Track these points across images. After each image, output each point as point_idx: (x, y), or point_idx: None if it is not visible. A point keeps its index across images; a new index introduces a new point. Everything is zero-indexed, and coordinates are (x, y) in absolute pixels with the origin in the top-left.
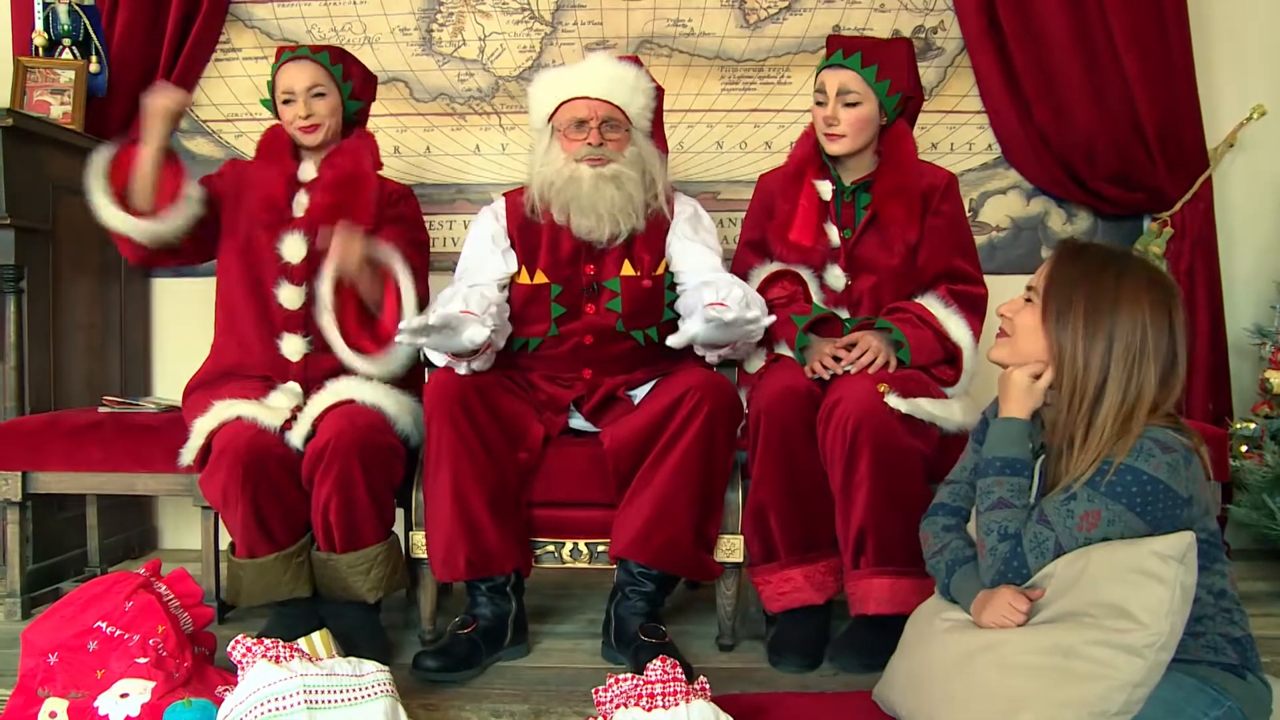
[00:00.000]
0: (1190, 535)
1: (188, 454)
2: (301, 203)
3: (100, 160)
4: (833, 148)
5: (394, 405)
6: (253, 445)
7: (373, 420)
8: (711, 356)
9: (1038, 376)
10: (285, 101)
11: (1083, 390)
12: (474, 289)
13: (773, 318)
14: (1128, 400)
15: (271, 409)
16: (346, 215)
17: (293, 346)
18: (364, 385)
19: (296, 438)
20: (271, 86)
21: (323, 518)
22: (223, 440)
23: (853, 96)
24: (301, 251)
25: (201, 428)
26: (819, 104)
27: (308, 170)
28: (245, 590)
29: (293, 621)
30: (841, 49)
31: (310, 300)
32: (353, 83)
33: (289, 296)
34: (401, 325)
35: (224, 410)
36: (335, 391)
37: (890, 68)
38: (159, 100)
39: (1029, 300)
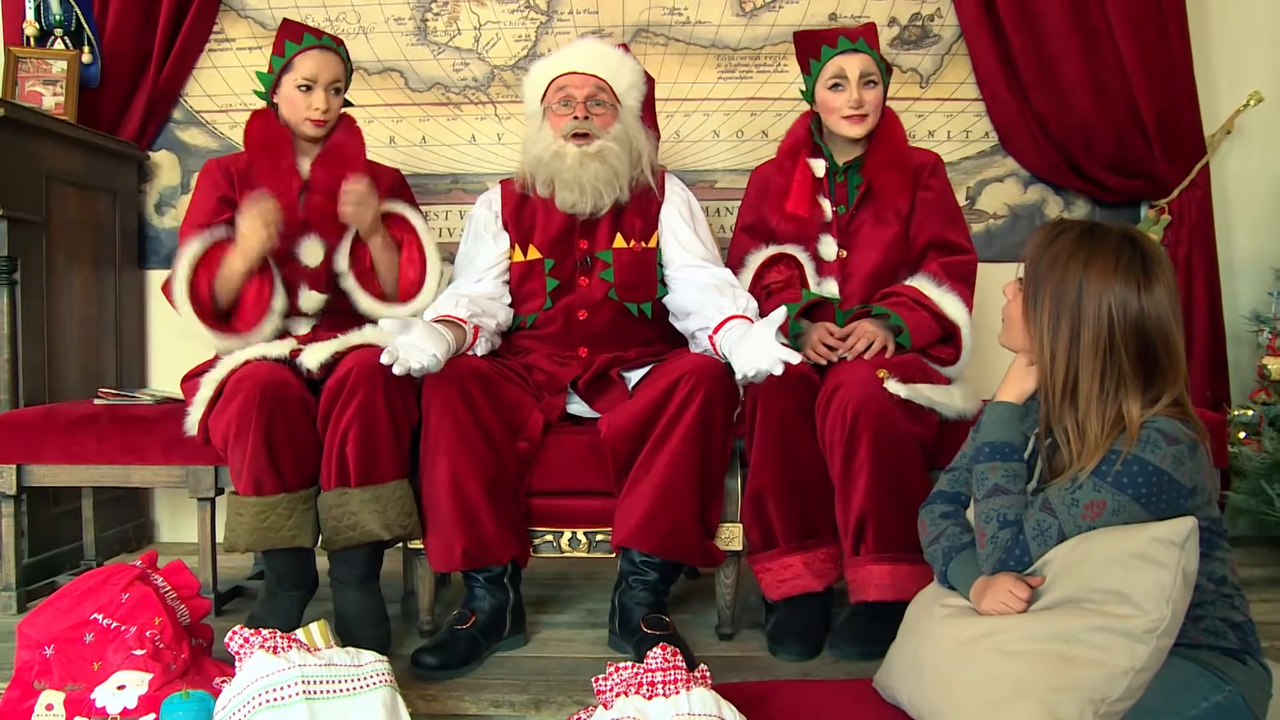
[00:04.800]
0: (1192, 520)
1: (196, 409)
2: (303, 204)
3: (188, 257)
4: (855, 130)
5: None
6: (272, 377)
7: None
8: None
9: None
10: (303, 88)
11: (1054, 382)
12: (466, 290)
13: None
14: (1107, 389)
15: (278, 345)
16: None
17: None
18: (371, 330)
19: (311, 359)
20: (281, 62)
21: (339, 450)
22: (240, 374)
23: (873, 77)
24: (319, 256)
25: (211, 379)
26: (836, 88)
27: (303, 167)
28: (246, 533)
29: (287, 586)
30: (844, 35)
31: (329, 305)
32: (349, 78)
33: (310, 303)
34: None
35: (231, 360)
36: (356, 336)
37: (878, 50)
38: (255, 218)
39: (1020, 285)
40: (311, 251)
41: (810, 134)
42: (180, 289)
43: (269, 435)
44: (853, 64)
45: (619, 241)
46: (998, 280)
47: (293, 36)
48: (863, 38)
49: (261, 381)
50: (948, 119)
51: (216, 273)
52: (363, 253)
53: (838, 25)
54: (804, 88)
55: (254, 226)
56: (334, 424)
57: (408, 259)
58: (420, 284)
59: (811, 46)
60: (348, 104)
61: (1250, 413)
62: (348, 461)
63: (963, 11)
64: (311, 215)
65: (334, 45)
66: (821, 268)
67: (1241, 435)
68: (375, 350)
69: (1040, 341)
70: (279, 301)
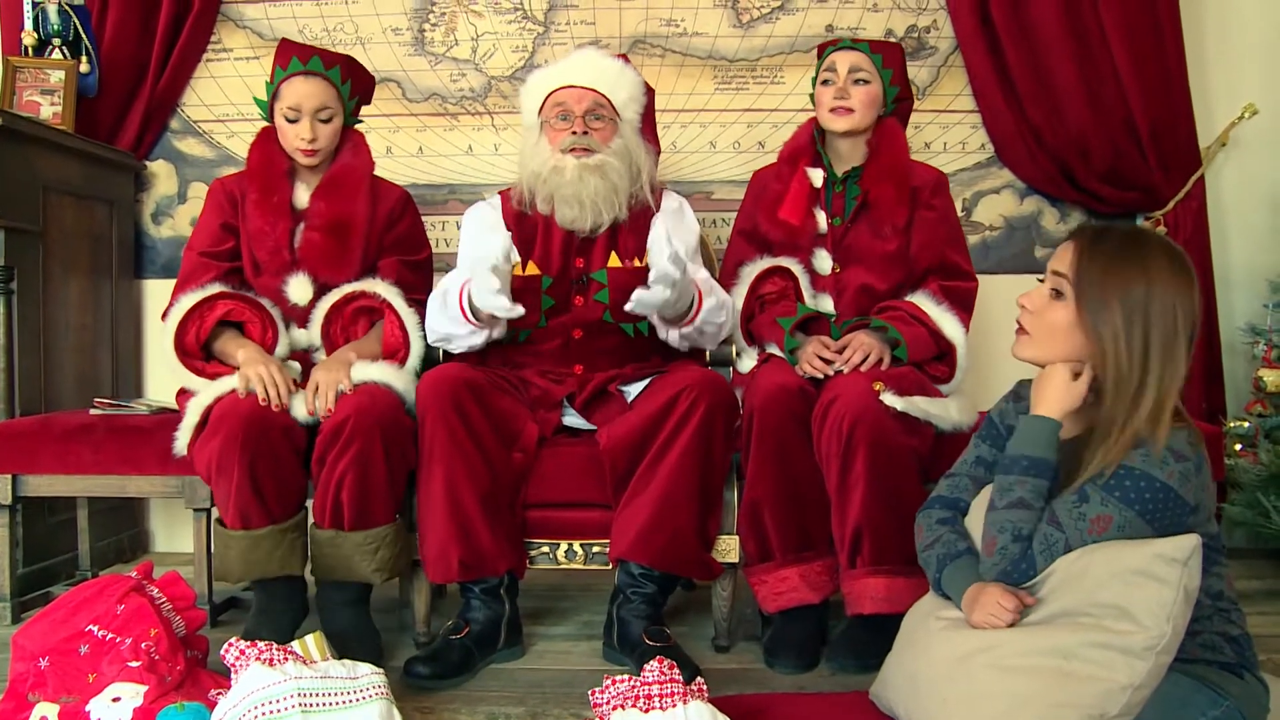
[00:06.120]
0: (1196, 538)
1: (183, 434)
2: (298, 237)
3: (179, 312)
4: (839, 124)
5: (402, 382)
6: (255, 411)
7: (392, 400)
8: (673, 336)
9: (1077, 375)
10: (290, 119)
11: (1129, 382)
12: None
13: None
14: (1163, 387)
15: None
16: (338, 260)
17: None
18: (370, 366)
19: (300, 408)
20: (272, 89)
21: (334, 494)
22: (223, 407)
23: (864, 75)
24: (308, 294)
25: (197, 404)
26: (826, 83)
27: (301, 196)
28: (235, 565)
29: (279, 605)
30: (847, 38)
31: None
32: (359, 98)
33: (296, 339)
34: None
35: (219, 385)
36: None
37: (890, 61)
38: (258, 373)
39: (1057, 295)
40: (300, 289)
41: (812, 141)
42: (169, 341)
43: (253, 472)
44: (844, 59)
45: (614, 261)
46: (995, 292)
47: (281, 61)
48: (866, 43)
49: (244, 418)
50: (944, 130)
51: (209, 329)
52: (335, 333)
53: (835, 37)
54: (810, 92)
55: (257, 376)
56: (330, 468)
57: (389, 332)
58: (405, 353)
59: (820, 52)
60: (357, 121)
61: (1246, 425)
62: (342, 506)
63: (959, 24)
64: (305, 251)
65: (323, 69)
66: (816, 282)
67: (1238, 447)
68: (375, 395)
69: (1114, 344)
70: (281, 349)
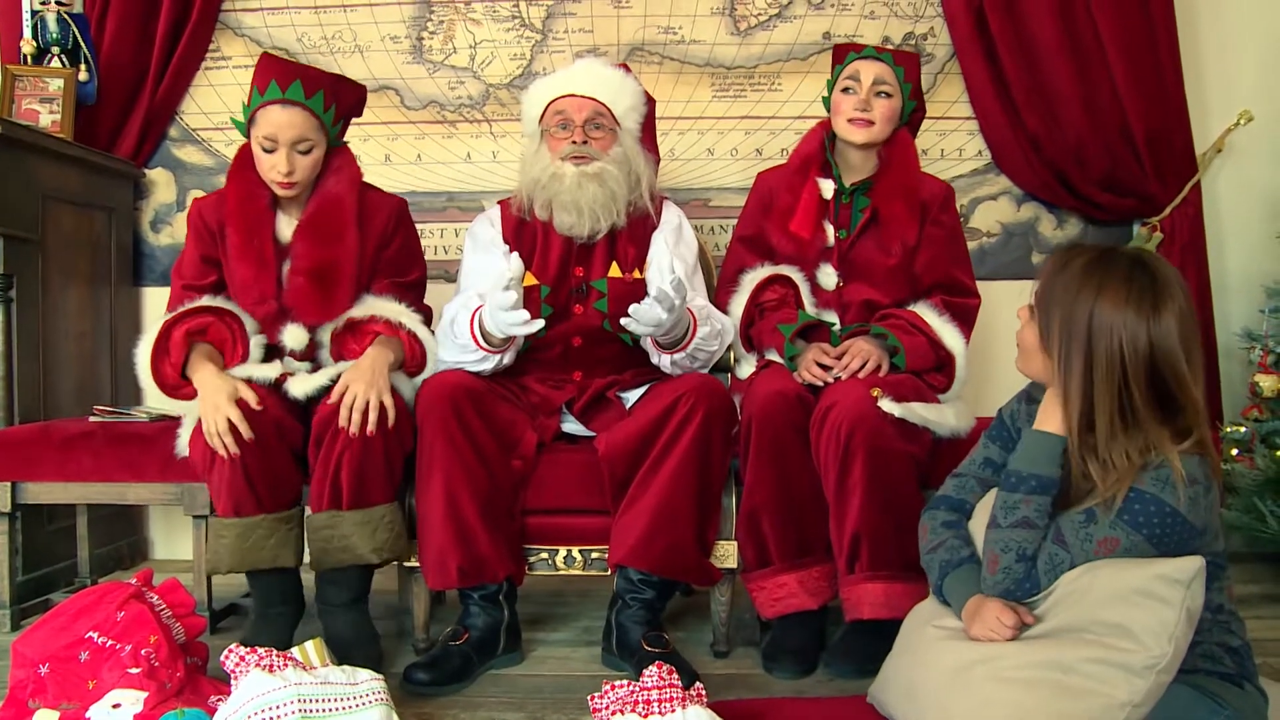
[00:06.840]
0: (1200, 561)
1: (186, 430)
2: (284, 277)
3: (146, 346)
4: (858, 135)
5: (401, 378)
6: (245, 407)
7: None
8: (665, 361)
9: None
10: (266, 149)
11: (1069, 415)
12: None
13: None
14: (1128, 423)
15: (264, 366)
16: (326, 306)
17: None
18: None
19: (298, 389)
20: (248, 113)
21: (332, 474)
22: None
23: (887, 88)
24: (303, 340)
25: (195, 406)
26: (847, 91)
27: (284, 230)
28: (228, 554)
29: (276, 604)
30: (871, 47)
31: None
32: (342, 123)
33: (295, 368)
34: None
35: None
36: (346, 364)
37: (911, 73)
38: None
39: (1031, 312)
40: (294, 337)
41: (823, 148)
42: (143, 368)
43: (243, 464)
44: (868, 69)
45: (614, 271)
46: (993, 298)
47: (260, 82)
48: (890, 54)
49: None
50: (941, 137)
51: (178, 364)
52: (349, 340)
53: (856, 42)
54: (825, 94)
55: (211, 435)
56: (328, 448)
57: (410, 355)
58: (422, 364)
59: (840, 55)
60: (342, 143)
61: (1243, 429)
62: (341, 486)
63: (955, 31)
64: (292, 298)
65: (303, 99)
66: (820, 297)
67: (1234, 452)
68: None
69: (1054, 373)
70: (255, 353)
